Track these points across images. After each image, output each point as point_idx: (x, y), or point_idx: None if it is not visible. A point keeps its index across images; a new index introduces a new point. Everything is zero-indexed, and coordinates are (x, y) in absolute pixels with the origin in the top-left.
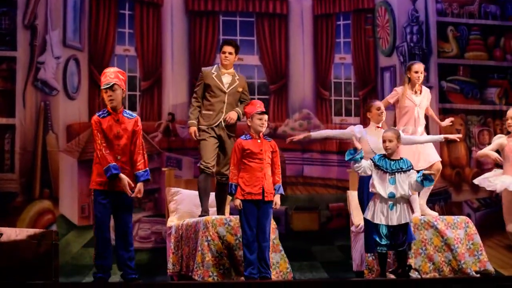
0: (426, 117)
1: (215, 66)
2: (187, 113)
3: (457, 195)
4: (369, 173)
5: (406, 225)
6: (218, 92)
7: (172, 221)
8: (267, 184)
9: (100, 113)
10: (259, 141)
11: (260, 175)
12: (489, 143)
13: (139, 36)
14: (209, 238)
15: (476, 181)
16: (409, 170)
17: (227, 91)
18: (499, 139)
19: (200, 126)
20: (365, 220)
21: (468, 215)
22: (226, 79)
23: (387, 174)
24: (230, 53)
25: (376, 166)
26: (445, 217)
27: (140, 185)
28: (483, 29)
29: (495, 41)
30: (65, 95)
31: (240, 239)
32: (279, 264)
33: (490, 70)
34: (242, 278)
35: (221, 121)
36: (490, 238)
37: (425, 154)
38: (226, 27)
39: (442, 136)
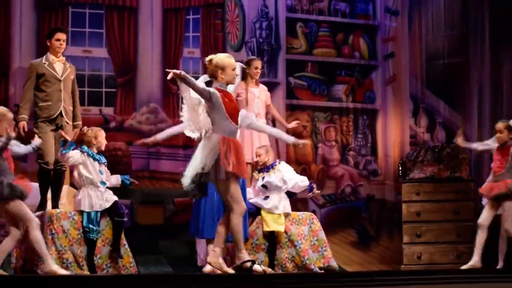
0: (273, 121)
1: (44, 57)
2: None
3: (303, 192)
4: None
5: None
6: (54, 81)
7: None
8: None
9: None
10: None
11: None
12: (336, 140)
13: None
14: (54, 231)
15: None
16: None
17: (62, 79)
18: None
19: (38, 120)
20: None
21: (314, 211)
22: (59, 67)
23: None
24: (64, 41)
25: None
26: (290, 213)
27: None
28: (332, 26)
29: (343, 38)
30: None
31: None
32: (122, 258)
33: (338, 67)
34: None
35: (61, 110)
36: (334, 234)
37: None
38: (75, 19)
39: (292, 139)
